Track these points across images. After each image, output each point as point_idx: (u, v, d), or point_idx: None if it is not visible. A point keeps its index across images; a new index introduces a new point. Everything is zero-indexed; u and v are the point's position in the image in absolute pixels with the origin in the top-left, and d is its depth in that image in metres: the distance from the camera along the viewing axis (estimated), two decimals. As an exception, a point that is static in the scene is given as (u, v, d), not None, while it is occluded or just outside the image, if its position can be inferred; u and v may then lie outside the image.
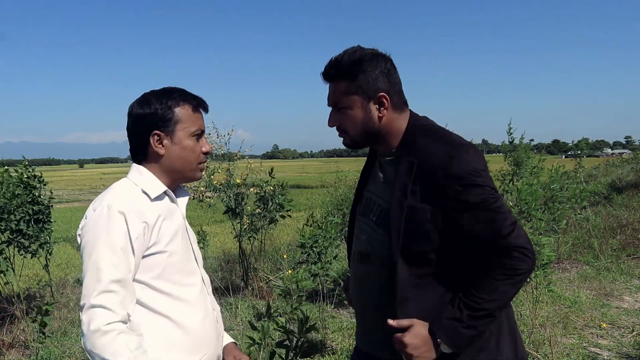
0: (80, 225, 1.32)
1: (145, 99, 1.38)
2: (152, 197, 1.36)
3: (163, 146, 1.37)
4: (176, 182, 1.44)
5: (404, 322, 1.34)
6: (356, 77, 1.38)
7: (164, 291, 1.33)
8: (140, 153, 1.40)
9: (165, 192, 1.40)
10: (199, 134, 1.42)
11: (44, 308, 3.43)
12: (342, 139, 1.49)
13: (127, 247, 1.25)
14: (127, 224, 1.26)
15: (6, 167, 4.89)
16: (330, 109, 1.47)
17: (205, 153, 1.43)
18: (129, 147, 1.44)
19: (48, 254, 5.04)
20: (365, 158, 1.67)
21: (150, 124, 1.36)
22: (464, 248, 1.33)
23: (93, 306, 1.20)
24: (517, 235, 1.28)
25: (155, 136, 1.36)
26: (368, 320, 1.53)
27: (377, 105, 1.40)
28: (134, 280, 1.30)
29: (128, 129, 1.41)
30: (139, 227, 1.28)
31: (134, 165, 1.42)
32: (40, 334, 3.56)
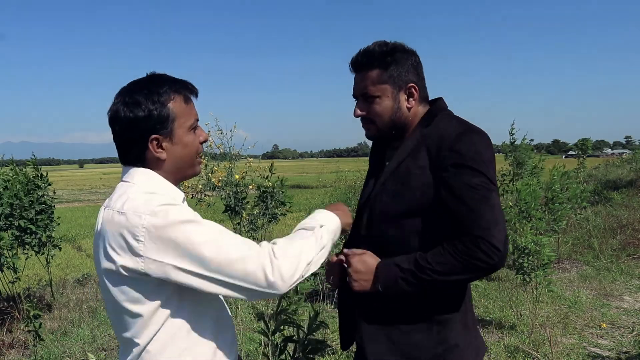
0: (106, 248, 1.16)
1: (134, 100, 1.21)
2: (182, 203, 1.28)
3: (164, 149, 1.25)
4: (178, 182, 1.36)
5: (358, 251, 1.41)
6: (389, 67, 1.40)
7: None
8: (139, 160, 1.26)
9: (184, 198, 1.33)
10: (196, 125, 1.31)
11: (32, 312, 3.42)
12: (365, 130, 1.49)
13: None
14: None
15: (12, 167, 4.94)
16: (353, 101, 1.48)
17: (203, 142, 1.34)
18: (117, 152, 1.29)
19: (57, 249, 5.15)
20: (367, 158, 1.67)
21: (148, 128, 1.21)
22: (443, 223, 1.33)
23: (261, 263, 1.16)
24: (493, 235, 1.25)
25: (155, 141, 1.23)
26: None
27: (406, 96, 1.42)
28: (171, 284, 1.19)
29: (117, 134, 1.25)
30: None
31: (138, 170, 1.26)
32: (36, 338, 3.56)
